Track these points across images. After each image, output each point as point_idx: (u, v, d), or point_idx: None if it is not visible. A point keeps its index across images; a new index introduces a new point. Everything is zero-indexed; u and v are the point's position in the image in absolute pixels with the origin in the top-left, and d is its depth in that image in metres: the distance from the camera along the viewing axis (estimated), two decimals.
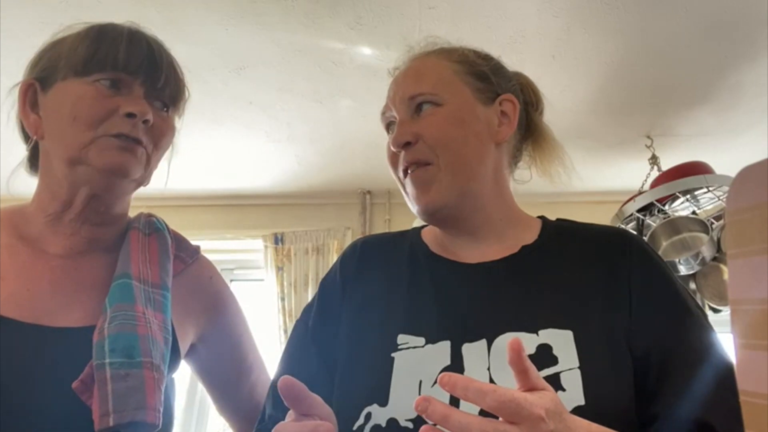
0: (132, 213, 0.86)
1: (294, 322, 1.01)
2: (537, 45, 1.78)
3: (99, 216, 0.77)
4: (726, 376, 0.61)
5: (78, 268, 0.75)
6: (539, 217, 0.83)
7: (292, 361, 0.76)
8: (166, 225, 0.87)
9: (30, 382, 0.63)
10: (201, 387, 2.31)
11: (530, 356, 0.59)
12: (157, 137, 0.77)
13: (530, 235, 0.77)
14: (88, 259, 0.77)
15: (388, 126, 0.81)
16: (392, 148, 0.76)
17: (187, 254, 0.86)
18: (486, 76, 0.81)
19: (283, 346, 0.81)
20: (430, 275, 0.74)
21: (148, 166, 0.77)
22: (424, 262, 0.76)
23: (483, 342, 0.63)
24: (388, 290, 0.74)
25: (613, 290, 0.69)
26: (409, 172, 0.75)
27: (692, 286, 2.14)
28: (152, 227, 0.83)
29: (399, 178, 0.78)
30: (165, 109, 0.80)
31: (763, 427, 0.29)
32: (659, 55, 1.85)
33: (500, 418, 0.46)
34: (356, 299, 0.75)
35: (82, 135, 0.71)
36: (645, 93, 2.06)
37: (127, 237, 0.80)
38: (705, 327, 0.66)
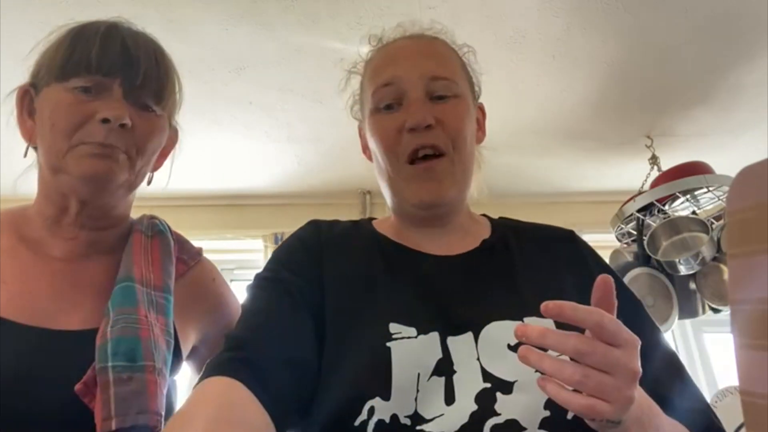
0: (132, 213, 0.86)
1: None
2: (537, 45, 1.78)
3: (96, 221, 0.77)
4: (677, 362, 0.70)
5: (79, 271, 0.75)
6: (482, 214, 0.86)
7: (274, 314, 0.66)
8: (169, 227, 0.86)
9: (31, 385, 0.63)
10: None
11: (518, 344, 0.60)
12: (141, 139, 0.74)
13: (484, 230, 0.79)
14: (89, 261, 0.76)
15: (383, 100, 0.74)
16: (410, 125, 0.70)
17: (190, 256, 0.86)
18: (474, 80, 0.83)
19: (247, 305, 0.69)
20: (405, 266, 0.72)
21: (133, 169, 0.75)
22: (394, 253, 0.75)
23: (469, 335, 0.63)
24: (365, 276, 0.71)
25: (579, 281, 0.72)
26: (419, 156, 0.71)
27: (692, 286, 2.14)
28: (155, 229, 0.83)
29: (397, 161, 0.73)
30: (150, 108, 0.76)
31: (764, 427, 0.29)
32: (659, 55, 1.85)
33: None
34: (334, 278, 0.71)
35: (60, 143, 0.71)
36: (645, 93, 2.06)
37: (130, 239, 0.79)
38: (648, 316, 0.75)
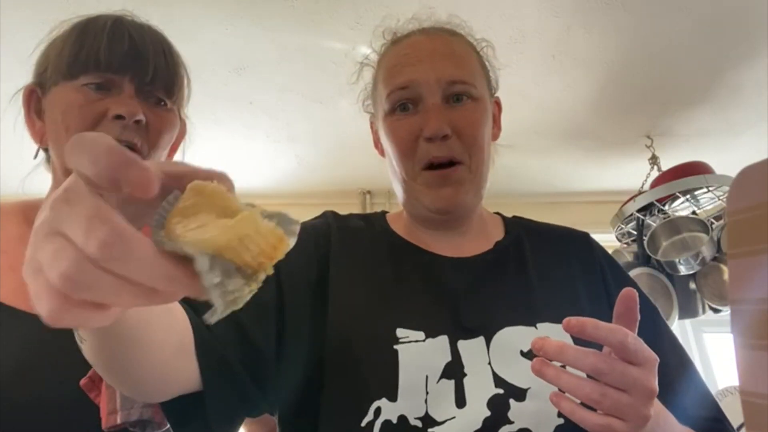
0: None
1: None
2: (537, 45, 1.78)
3: None
4: (692, 367, 0.69)
5: None
6: (495, 212, 0.84)
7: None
8: None
9: (37, 376, 0.63)
10: None
11: (531, 350, 0.60)
12: (154, 136, 0.74)
13: (497, 230, 0.78)
14: None
15: (398, 102, 0.71)
16: (427, 135, 0.68)
17: None
18: (491, 75, 0.80)
19: None
20: (415, 268, 0.71)
21: None
22: (405, 254, 0.73)
23: (481, 339, 0.63)
24: (374, 278, 0.70)
25: (592, 287, 0.72)
26: (434, 166, 0.69)
27: (692, 286, 2.14)
28: None
29: (412, 167, 0.71)
30: (162, 103, 0.75)
31: (764, 427, 0.29)
32: (659, 55, 1.85)
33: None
34: (342, 277, 0.69)
35: None
36: (645, 93, 2.06)
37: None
38: (664, 321, 0.74)
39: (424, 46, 0.74)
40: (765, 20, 1.68)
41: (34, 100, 0.76)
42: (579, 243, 0.78)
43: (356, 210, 2.77)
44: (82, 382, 0.63)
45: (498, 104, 0.82)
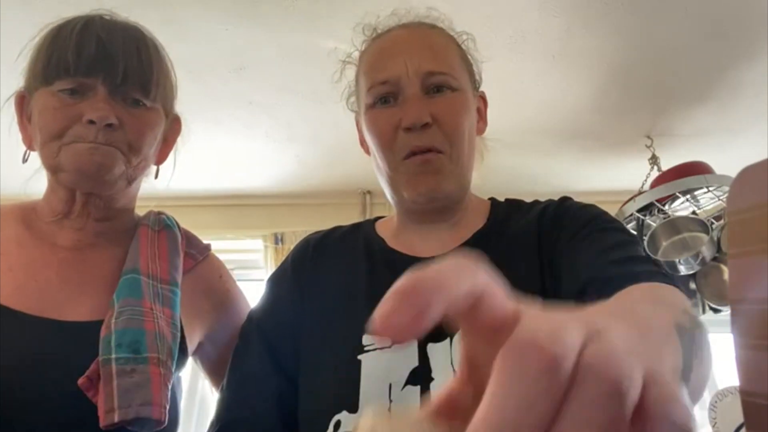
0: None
1: None
2: (537, 45, 1.78)
3: (101, 212, 0.77)
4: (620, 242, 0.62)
5: (86, 260, 0.76)
6: (489, 198, 0.82)
7: (246, 373, 0.71)
8: (176, 222, 0.87)
9: (36, 376, 0.64)
10: (201, 386, 2.30)
11: None
12: (134, 137, 0.73)
13: (481, 220, 0.76)
14: (96, 251, 0.77)
15: (378, 96, 0.72)
16: (406, 124, 0.68)
17: (198, 251, 0.86)
18: (474, 69, 0.80)
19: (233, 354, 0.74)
20: (389, 272, 0.71)
21: (129, 163, 0.74)
22: (381, 258, 0.73)
23: (447, 340, 0.62)
24: (347, 288, 0.70)
25: (529, 254, 0.67)
26: (416, 154, 0.69)
27: (692, 286, 2.14)
28: (162, 224, 0.84)
29: (393, 158, 0.71)
30: (139, 102, 0.74)
31: (764, 427, 0.29)
32: (659, 55, 1.85)
33: None
34: (315, 298, 0.71)
35: (51, 146, 0.71)
36: (645, 93, 2.06)
37: (137, 233, 0.80)
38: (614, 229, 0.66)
39: (403, 39, 0.74)
40: (765, 20, 1.68)
41: (25, 104, 0.76)
42: (542, 210, 0.73)
43: (356, 210, 2.77)
44: (80, 381, 0.63)
45: (483, 99, 0.82)
